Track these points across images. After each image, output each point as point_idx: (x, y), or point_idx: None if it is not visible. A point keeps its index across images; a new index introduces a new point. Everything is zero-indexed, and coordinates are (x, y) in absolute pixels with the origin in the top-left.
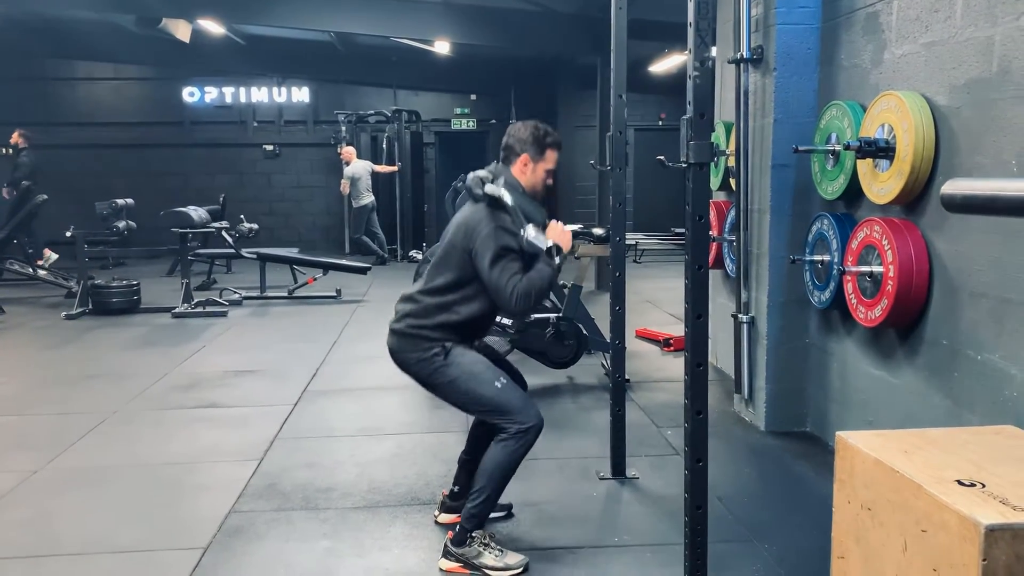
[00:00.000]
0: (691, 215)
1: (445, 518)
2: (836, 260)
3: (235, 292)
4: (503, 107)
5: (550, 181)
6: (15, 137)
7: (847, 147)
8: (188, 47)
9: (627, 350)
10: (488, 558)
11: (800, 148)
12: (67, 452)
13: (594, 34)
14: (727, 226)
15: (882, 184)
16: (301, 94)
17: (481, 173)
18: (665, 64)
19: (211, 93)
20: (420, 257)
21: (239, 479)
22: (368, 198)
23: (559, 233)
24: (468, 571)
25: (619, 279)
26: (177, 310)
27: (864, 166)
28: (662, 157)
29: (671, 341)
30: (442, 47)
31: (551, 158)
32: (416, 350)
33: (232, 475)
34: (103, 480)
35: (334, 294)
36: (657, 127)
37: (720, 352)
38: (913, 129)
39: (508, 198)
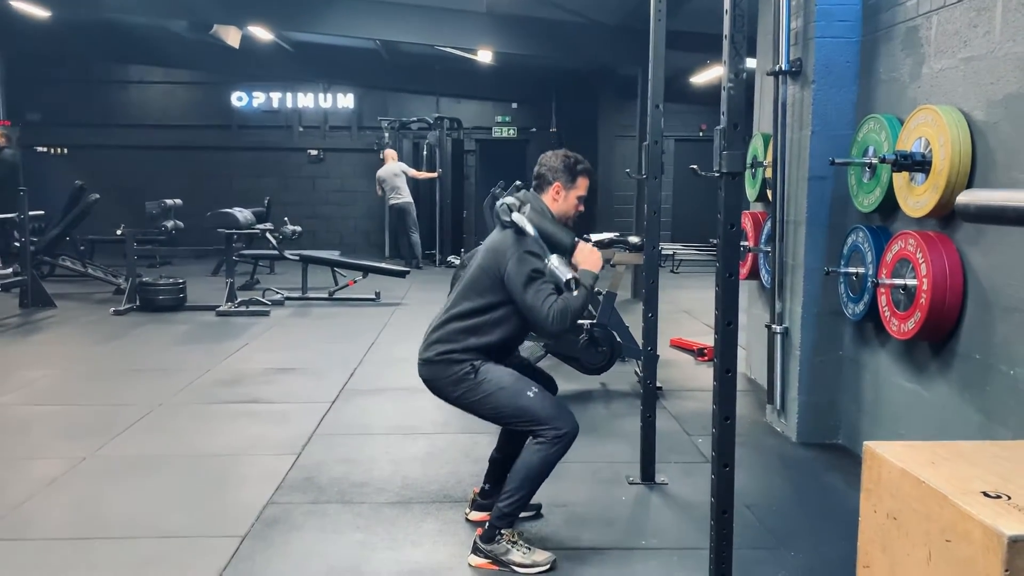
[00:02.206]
0: (723, 224)
1: (476, 516)
2: (871, 272)
3: (277, 292)
4: (544, 116)
5: (581, 208)
6: None
7: (883, 160)
8: (237, 52)
9: (660, 358)
10: (516, 555)
11: (837, 160)
12: (114, 441)
13: (636, 45)
14: (763, 237)
15: (917, 197)
16: (346, 100)
17: (509, 200)
18: (706, 75)
19: (259, 98)
20: (458, 262)
21: (278, 472)
22: (394, 199)
23: (587, 254)
24: (497, 567)
25: (652, 286)
26: (221, 308)
27: (900, 179)
28: (695, 166)
29: (705, 351)
30: (485, 56)
31: (582, 185)
32: (447, 374)
33: (271, 468)
34: (149, 468)
35: (373, 296)
36: (697, 138)
37: (753, 362)
38: (949, 143)
39: (530, 228)
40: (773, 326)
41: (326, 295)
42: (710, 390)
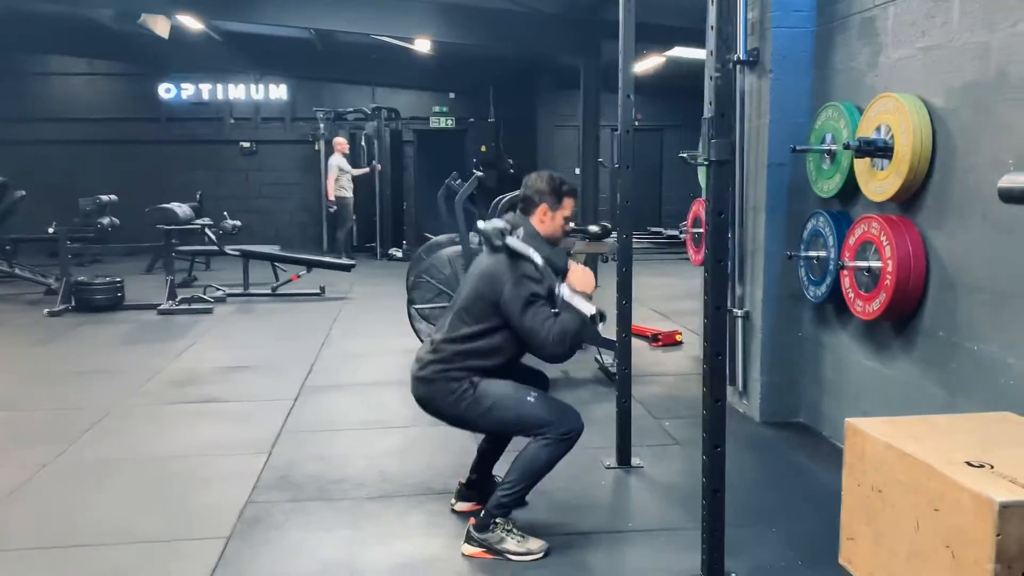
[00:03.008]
0: (712, 211)
1: (462, 506)
2: (833, 256)
3: (218, 289)
4: (482, 106)
5: (568, 227)
6: None
7: (847, 147)
8: (164, 43)
9: None
10: (510, 543)
11: (798, 148)
12: (73, 447)
13: (577, 35)
14: None
15: (879, 182)
16: (279, 91)
17: (499, 224)
18: (642, 65)
19: (188, 90)
20: (399, 255)
21: (251, 472)
22: (346, 192)
23: (580, 275)
24: (491, 556)
25: (626, 275)
26: (162, 307)
27: (861, 165)
28: (685, 154)
29: (659, 336)
30: (423, 45)
31: (568, 206)
32: (444, 391)
33: (243, 468)
34: (114, 473)
35: (318, 291)
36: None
37: None
38: (911, 130)
39: (538, 258)
40: (734, 310)
41: (269, 291)
42: (670, 375)
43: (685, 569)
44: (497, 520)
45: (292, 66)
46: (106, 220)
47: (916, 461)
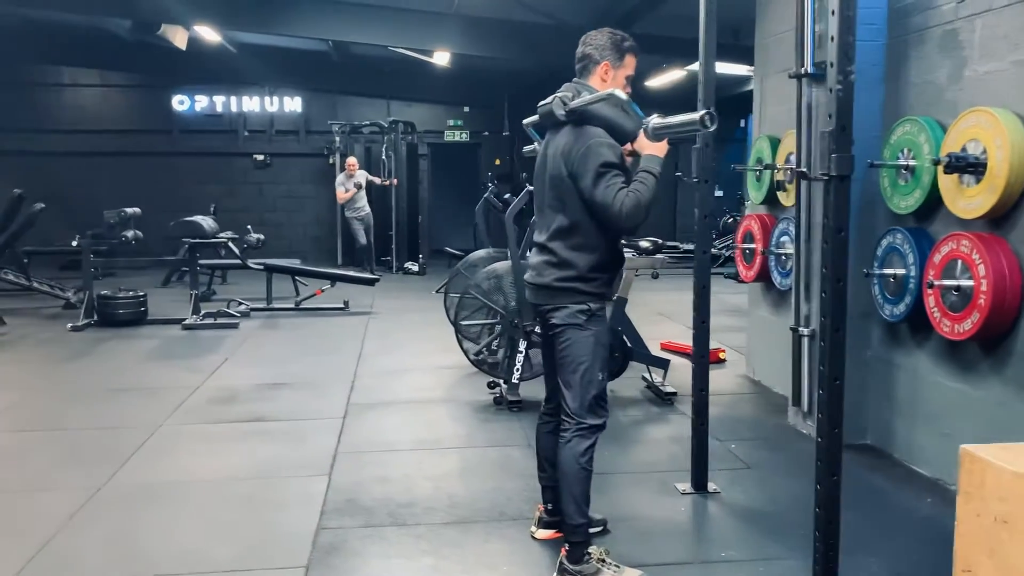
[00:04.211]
0: (832, 228)
1: (543, 534)
2: (914, 274)
3: (242, 303)
4: (496, 119)
5: (629, 89)
6: None
7: (936, 162)
8: (178, 54)
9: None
10: (607, 574)
11: (875, 163)
12: (125, 468)
13: None
14: (774, 239)
15: (969, 199)
16: (293, 104)
17: (560, 94)
18: (662, 79)
19: (201, 102)
20: (416, 269)
21: (315, 494)
22: (365, 208)
23: (653, 141)
24: None
25: (703, 292)
26: (187, 322)
27: (948, 181)
28: (804, 170)
29: None
30: (441, 58)
31: (630, 64)
32: (564, 302)
33: (306, 490)
34: (173, 496)
35: (342, 306)
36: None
37: (758, 365)
38: (1009, 145)
39: (620, 92)
40: (800, 329)
41: (292, 305)
42: (723, 394)
43: None
44: (590, 550)
45: (307, 78)
46: (130, 233)
47: None
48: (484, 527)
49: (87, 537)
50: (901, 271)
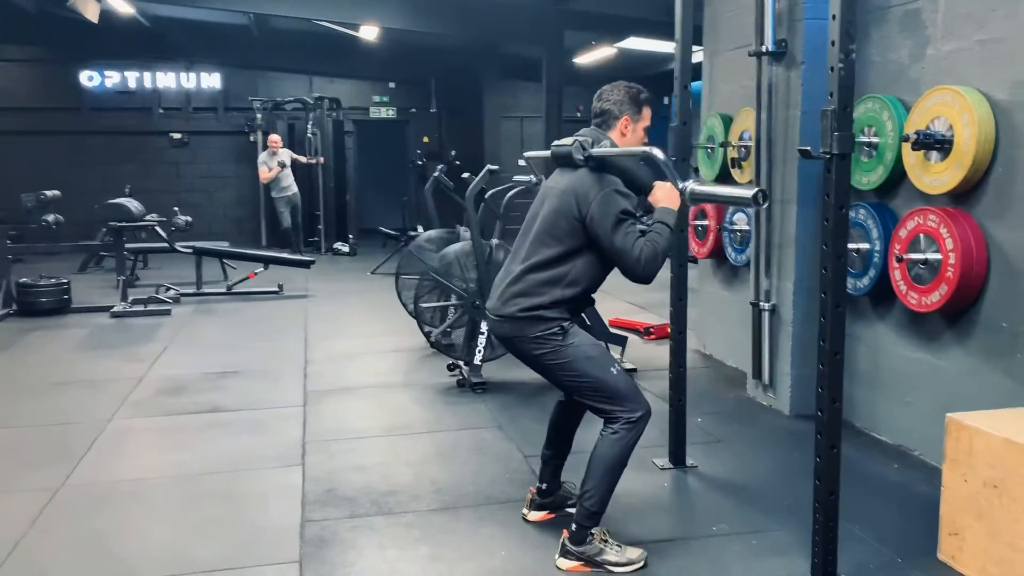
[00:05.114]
0: (834, 206)
1: (535, 516)
2: (878, 248)
3: (171, 289)
4: (423, 96)
5: (647, 139)
6: None
7: (905, 139)
8: (85, 28)
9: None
10: (610, 554)
11: None
12: (81, 466)
13: (540, 24)
14: (728, 217)
15: (936, 175)
16: (211, 80)
17: (580, 138)
18: (590, 57)
19: (112, 78)
20: (345, 250)
21: (291, 486)
22: (293, 188)
23: (668, 192)
24: (589, 569)
25: (681, 270)
26: (116, 309)
27: (914, 158)
28: (807, 148)
29: (652, 329)
30: (369, 33)
31: (647, 115)
32: (534, 331)
33: (282, 482)
34: (140, 494)
35: (276, 289)
36: (574, 118)
37: (709, 340)
38: (976, 123)
39: (659, 153)
40: (761, 303)
41: (224, 290)
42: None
43: (795, 573)
44: (593, 531)
45: (225, 53)
46: (51, 217)
47: None
48: (473, 512)
49: (56, 541)
50: (865, 245)
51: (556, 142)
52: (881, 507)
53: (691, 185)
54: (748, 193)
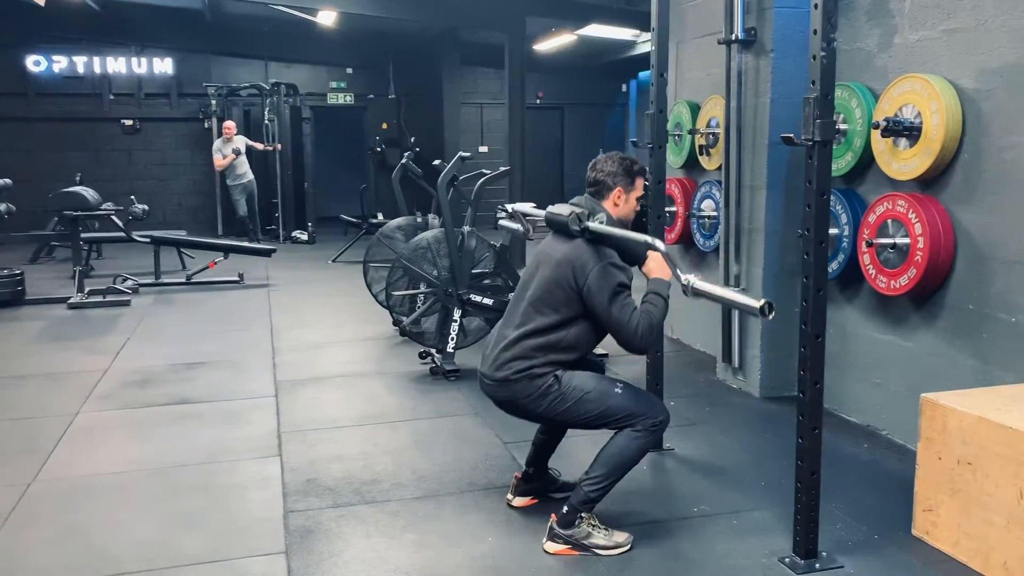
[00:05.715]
0: (815, 192)
1: (520, 501)
2: (847, 233)
3: (128, 279)
4: (381, 82)
5: (638, 207)
6: None
7: (875, 126)
8: (30, 11)
9: None
10: (598, 538)
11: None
12: (52, 460)
13: (501, 8)
14: (695, 203)
15: (904, 162)
16: (163, 65)
17: (575, 208)
18: (550, 43)
19: (60, 62)
20: (304, 238)
21: (271, 477)
22: (248, 176)
23: (660, 263)
24: (577, 552)
25: None
26: (73, 300)
27: (882, 144)
28: (790, 135)
29: None
30: (327, 18)
31: (639, 186)
32: (529, 391)
33: (260, 473)
34: (115, 487)
35: (236, 279)
36: (534, 105)
37: (676, 324)
38: (944, 110)
39: (661, 245)
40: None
41: (183, 280)
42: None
43: (776, 551)
44: (582, 515)
45: (178, 38)
46: (2, 207)
47: (1017, 432)
48: (457, 499)
49: (33, 537)
50: (833, 231)
51: (552, 208)
52: (855, 485)
53: (693, 281)
54: (756, 304)
